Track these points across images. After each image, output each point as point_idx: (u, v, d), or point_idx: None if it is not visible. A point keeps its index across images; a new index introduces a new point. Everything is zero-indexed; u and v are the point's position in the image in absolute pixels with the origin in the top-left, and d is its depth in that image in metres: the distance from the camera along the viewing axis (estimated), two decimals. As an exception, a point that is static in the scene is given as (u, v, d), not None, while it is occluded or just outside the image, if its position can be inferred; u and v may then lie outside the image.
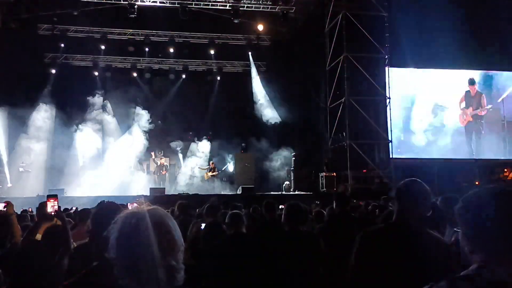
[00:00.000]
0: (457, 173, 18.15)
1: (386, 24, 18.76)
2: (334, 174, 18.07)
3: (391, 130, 18.99)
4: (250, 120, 22.22)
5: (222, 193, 18.64)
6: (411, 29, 17.62)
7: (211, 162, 19.14)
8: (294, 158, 19.46)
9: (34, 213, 9.09)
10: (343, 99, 18.57)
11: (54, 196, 3.76)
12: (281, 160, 20.85)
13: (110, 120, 21.71)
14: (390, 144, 18.91)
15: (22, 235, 4.80)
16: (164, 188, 18.55)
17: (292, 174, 19.29)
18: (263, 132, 21.73)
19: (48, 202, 3.72)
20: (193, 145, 22.36)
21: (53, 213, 3.70)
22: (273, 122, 21.93)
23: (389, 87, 19.14)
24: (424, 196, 2.51)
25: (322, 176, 18.21)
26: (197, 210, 8.81)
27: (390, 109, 19.19)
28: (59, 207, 3.74)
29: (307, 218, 5.19)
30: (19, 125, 19.00)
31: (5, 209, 4.80)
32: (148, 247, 1.53)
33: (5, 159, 18.20)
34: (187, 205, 6.94)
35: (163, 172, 19.82)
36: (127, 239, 1.56)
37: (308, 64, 20.94)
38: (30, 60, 19.87)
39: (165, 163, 20.17)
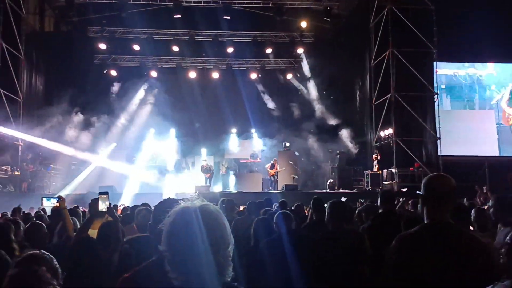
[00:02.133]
0: (508, 170, 17.44)
1: (434, 17, 18.19)
2: (380, 172, 17.75)
3: (439, 127, 18.42)
4: (293, 118, 22.18)
5: (265, 190, 18.69)
6: (459, 22, 17.02)
7: (274, 159, 19.20)
8: (338, 156, 19.26)
9: (84, 209, 9.51)
10: (388, 95, 18.20)
11: (106, 193, 3.89)
12: (325, 158, 20.70)
13: (156, 119, 22.25)
14: (438, 141, 18.35)
15: (74, 229, 5.06)
16: (209, 186, 18.87)
17: (336, 171, 19.10)
18: (306, 129, 21.63)
19: (99, 199, 3.86)
20: (235, 143, 22.53)
21: (104, 210, 3.84)
22: (316, 120, 21.78)
23: (437, 83, 18.59)
24: (451, 190, 2.37)
25: (367, 174, 17.92)
26: (241, 207, 8.94)
27: (438, 105, 18.64)
28: (110, 203, 3.87)
29: (352, 216, 5.14)
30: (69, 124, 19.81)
31: (58, 204, 5.05)
32: (197, 242, 1.56)
33: (60, 157, 18.98)
34: (230, 202, 7.01)
35: (207, 175, 20.06)
36: (177, 233, 1.60)
37: (352, 60, 20.65)
38: (80, 61, 20.71)
39: (209, 164, 20.36)
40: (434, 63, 18.63)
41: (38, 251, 2.29)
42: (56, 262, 2.25)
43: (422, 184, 2.45)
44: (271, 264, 3.86)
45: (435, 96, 18.55)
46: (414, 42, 17.90)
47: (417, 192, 2.53)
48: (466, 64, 20.04)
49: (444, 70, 19.67)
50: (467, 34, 17.46)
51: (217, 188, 20.10)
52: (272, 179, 19.07)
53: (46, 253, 2.30)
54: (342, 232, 4.10)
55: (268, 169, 19.06)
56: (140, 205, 5.87)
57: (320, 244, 4.03)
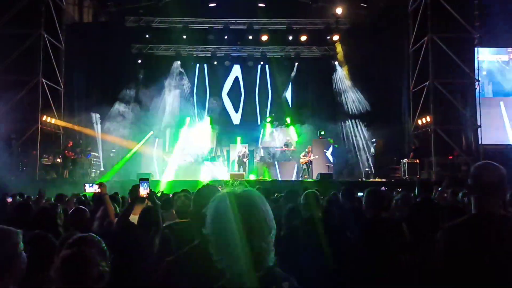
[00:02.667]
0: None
1: (475, 1, 17.55)
2: (417, 160, 17.43)
3: (480, 115, 17.88)
4: (329, 106, 21.98)
5: (300, 178, 18.69)
6: (502, 5, 16.38)
7: (308, 147, 19.18)
8: (375, 144, 19.02)
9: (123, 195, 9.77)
10: (427, 83, 17.77)
11: (146, 180, 4.00)
12: (361, 146, 20.48)
13: (191, 108, 22.55)
14: (479, 129, 17.81)
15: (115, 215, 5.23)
16: (243, 173, 19.00)
17: (372, 160, 18.88)
18: (343, 117, 21.43)
19: (140, 185, 3.97)
20: (270, 132, 22.53)
21: (145, 196, 3.96)
22: (352, 108, 21.53)
23: (478, 69, 18.01)
24: (500, 179, 2.28)
25: (404, 163, 17.63)
26: (276, 195, 8.97)
27: (479, 92, 18.07)
28: (150, 189, 3.98)
29: (390, 205, 5.10)
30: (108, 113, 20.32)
31: (99, 190, 5.23)
32: (239, 226, 1.61)
33: (100, 144, 19.53)
34: (265, 190, 7.06)
35: (245, 159, 20.22)
36: (220, 218, 1.64)
37: (389, 47, 20.21)
38: (119, 51, 21.13)
39: (247, 151, 20.54)
40: (476, 49, 18.03)
41: (87, 234, 2.39)
42: (104, 245, 2.35)
43: (470, 173, 2.39)
44: (305, 252, 3.88)
45: (476, 83, 17.98)
46: (455, 27, 17.36)
47: (468, 181, 2.43)
48: (510, 49, 19.29)
49: (486, 56, 18.99)
50: (510, 17, 16.79)
51: (252, 176, 20.21)
52: (305, 166, 19.00)
53: (95, 235, 2.40)
54: (379, 221, 4.09)
55: (301, 157, 19.03)
56: (179, 192, 6.01)
57: (358, 232, 4.03)
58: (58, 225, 3.95)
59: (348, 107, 21.69)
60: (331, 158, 19.57)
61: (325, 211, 4.77)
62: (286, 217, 4.48)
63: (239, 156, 20.10)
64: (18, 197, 9.54)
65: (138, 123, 20.41)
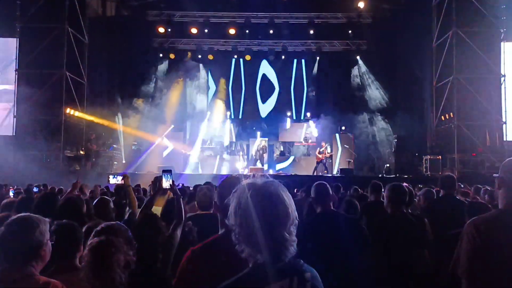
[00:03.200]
0: None
1: (502, -6, 17.20)
2: (439, 157, 17.20)
3: (505, 111, 17.52)
4: (350, 101, 21.82)
5: (320, 174, 18.64)
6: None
7: (323, 142, 19.12)
8: (396, 140, 18.84)
9: (144, 187, 9.91)
10: (451, 78, 17.49)
11: (169, 171, 4.05)
12: (382, 142, 20.32)
13: (212, 102, 22.67)
14: (504, 125, 17.47)
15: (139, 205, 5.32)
16: (263, 167, 19.07)
17: (393, 156, 18.71)
18: (364, 112, 21.26)
19: (163, 177, 4.02)
20: (290, 126, 22.49)
21: (168, 187, 4.01)
22: (374, 103, 21.34)
23: (504, 64, 17.63)
24: None
25: (426, 159, 17.42)
26: (295, 190, 8.96)
27: (505, 87, 17.70)
28: (173, 181, 4.03)
29: (412, 200, 5.06)
30: (129, 106, 20.56)
31: (122, 181, 5.33)
32: (261, 217, 1.63)
33: (121, 137, 19.78)
34: (285, 185, 7.07)
35: (264, 154, 20.31)
36: (244, 208, 1.66)
37: (412, 41, 19.91)
38: (140, 45, 21.36)
39: (265, 144, 20.64)
40: (501, 44, 17.65)
41: (114, 222, 2.46)
42: (130, 234, 2.41)
43: (501, 166, 2.37)
44: (322, 245, 3.88)
45: (502, 78, 17.62)
46: (480, 22, 17.02)
47: (494, 175, 2.41)
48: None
49: (512, 51, 18.60)
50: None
51: (271, 171, 20.25)
52: (325, 161, 18.92)
53: (122, 224, 2.46)
54: (401, 216, 4.07)
55: (317, 154, 18.93)
56: (202, 184, 6.08)
57: (378, 227, 4.02)
58: (83, 214, 4.03)
59: (369, 102, 21.52)
60: (352, 153, 19.43)
61: (345, 204, 4.78)
62: (307, 212, 4.50)
63: (257, 150, 20.17)
64: (41, 187, 9.75)
65: (159, 117, 20.61)
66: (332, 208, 3.92)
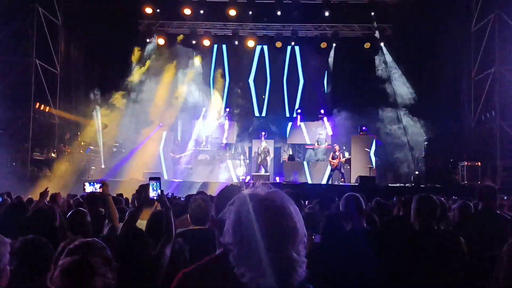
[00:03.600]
0: None
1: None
2: (479, 163, 17.17)
3: (558, 109, 17.49)
4: (371, 95, 21.79)
5: (336, 183, 18.65)
6: None
7: (336, 145, 19.06)
8: (426, 143, 18.80)
9: (127, 197, 9.93)
10: (492, 69, 17.47)
11: (157, 179, 4.06)
12: (410, 145, 20.28)
13: (208, 96, 22.71)
14: (556, 126, 17.44)
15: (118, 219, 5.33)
16: (269, 174, 19.09)
17: (423, 162, 18.68)
18: (388, 109, 21.23)
19: (150, 186, 4.02)
20: (300, 125, 22.51)
21: (155, 198, 4.02)
22: (400, 98, 21.28)
23: (556, 53, 17.62)
24: None
25: (462, 166, 17.40)
26: (306, 202, 8.99)
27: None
28: (161, 191, 4.03)
29: (444, 214, 5.04)
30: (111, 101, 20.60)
31: (101, 190, 5.33)
32: (265, 233, 1.61)
33: (100, 138, 19.82)
34: (294, 195, 7.08)
35: (268, 158, 20.33)
36: (242, 223, 1.65)
37: (446, 26, 19.90)
38: (124, 29, 21.41)
39: (267, 147, 20.61)
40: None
41: (90, 239, 2.47)
42: (109, 252, 2.42)
43: None
44: (341, 265, 3.90)
45: (554, 70, 17.60)
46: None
47: None
48: None
49: None
50: None
51: (277, 179, 20.26)
52: (340, 167, 18.89)
53: (99, 241, 2.47)
54: (431, 233, 4.07)
55: (330, 159, 18.92)
56: (196, 194, 6.08)
57: (405, 245, 4.02)
58: (55, 229, 4.06)
59: (394, 97, 21.46)
60: (374, 159, 19.43)
61: (368, 220, 4.77)
62: (324, 227, 4.51)
63: (258, 154, 20.19)
64: (6, 196, 9.75)
65: (145, 114, 20.64)
66: (365, 225, 3.95)
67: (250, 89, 24.13)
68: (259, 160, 20.32)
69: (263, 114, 24.11)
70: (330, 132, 21.25)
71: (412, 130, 20.24)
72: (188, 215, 4.51)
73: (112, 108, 20.31)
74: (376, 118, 20.98)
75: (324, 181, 18.92)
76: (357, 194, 4.03)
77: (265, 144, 20.58)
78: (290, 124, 22.63)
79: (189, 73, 22.47)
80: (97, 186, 5.47)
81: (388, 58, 22.24)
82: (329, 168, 19.08)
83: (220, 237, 1.93)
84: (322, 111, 22.30)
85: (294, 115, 23.16)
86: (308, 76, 23.90)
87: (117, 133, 20.08)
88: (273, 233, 1.63)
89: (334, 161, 18.66)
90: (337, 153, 18.74)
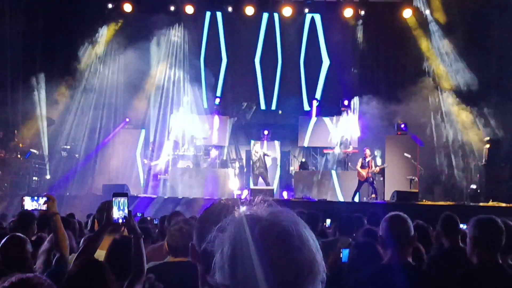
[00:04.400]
0: None
1: None
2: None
3: None
4: (411, 80, 21.76)
5: (365, 200, 18.63)
6: None
7: (366, 149, 18.85)
8: (488, 146, 18.77)
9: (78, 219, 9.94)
10: None
11: (123, 195, 4.05)
12: (464, 150, 20.26)
13: (192, 81, 22.66)
14: None
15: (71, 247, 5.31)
16: (273, 188, 19.04)
17: (483, 171, 18.66)
18: (433, 100, 21.21)
19: (113, 204, 4.01)
20: (316, 122, 22.51)
21: (121, 221, 4.01)
22: (451, 86, 21.27)
23: None
24: None
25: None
26: (324, 224, 9.02)
27: None
28: (129, 211, 4.03)
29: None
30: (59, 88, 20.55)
31: (45, 207, 5.27)
32: (273, 272, 1.62)
33: (45, 138, 19.77)
34: (312, 216, 7.08)
35: (265, 165, 20.15)
36: (241, 257, 1.62)
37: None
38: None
39: (260, 152, 20.34)
40: None
41: (31, 275, 2.46)
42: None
43: None
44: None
45: None
46: None
47: None
48: None
49: None
50: None
51: (285, 194, 20.26)
52: (371, 179, 18.82)
53: (44, 278, 2.47)
54: (496, 269, 4.06)
55: (359, 168, 18.80)
56: (170, 215, 6.06)
57: (459, 286, 4.01)
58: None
59: (444, 85, 21.43)
60: (417, 167, 19.35)
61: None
62: (358, 257, 4.51)
63: (253, 161, 19.99)
64: None
65: (107, 105, 20.61)
66: (408, 259, 3.94)
67: (255, 72, 24.04)
68: (255, 169, 20.07)
69: (273, 107, 24.01)
70: (357, 132, 21.20)
71: (468, 130, 20.19)
72: (166, 243, 4.51)
73: (62, 98, 20.26)
74: (418, 112, 20.91)
75: (348, 198, 18.83)
76: (405, 216, 4.01)
77: (259, 148, 20.46)
78: (302, 120, 22.56)
79: (165, 52, 22.42)
80: (41, 201, 5.43)
81: (436, 32, 22.19)
82: (355, 181, 19.00)
83: (205, 274, 1.92)
84: (346, 102, 22.25)
85: (308, 108, 23.07)
86: (328, 53, 23.79)
87: (68, 132, 20.03)
88: (284, 270, 1.56)
89: (363, 171, 18.56)
90: (367, 160, 18.65)
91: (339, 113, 22.07)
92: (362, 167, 18.61)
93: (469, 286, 4.05)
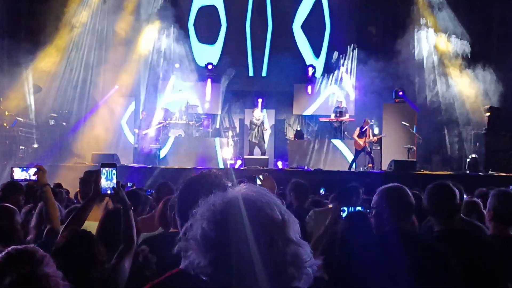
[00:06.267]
0: None
1: None
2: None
3: None
4: (410, 49, 21.65)
5: (362, 169, 18.65)
6: None
7: (364, 120, 18.77)
8: (489, 114, 18.75)
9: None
10: None
11: (112, 165, 4.01)
12: (464, 118, 20.25)
13: (181, 46, 22.50)
14: None
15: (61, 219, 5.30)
16: (267, 158, 19.02)
17: (482, 140, 18.67)
18: (432, 66, 21.14)
19: (101, 174, 3.99)
20: (312, 90, 22.43)
21: (109, 192, 3.99)
22: (451, 45, 21.11)
23: None
24: None
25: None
26: (322, 192, 9.04)
27: None
28: (118, 181, 4.00)
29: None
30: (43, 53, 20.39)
31: (35, 177, 5.26)
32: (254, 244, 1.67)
33: (32, 105, 19.68)
34: (304, 187, 7.07)
35: (265, 129, 20.06)
36: (222, 242, 1.69)
37: None
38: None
39: (261, 118, 20.25)
40: None
41: (28, 246, 2.45)
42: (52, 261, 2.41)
43: None
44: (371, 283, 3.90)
45: None
46: None
47: None
48: None
49: None
50: None
51: (280, 163, 20.25)
52: (369, 148, 18.79)
53: (39, 249, 2.46)
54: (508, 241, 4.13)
55: (356, 138, 18.77)
56: (158, 186, 6.05)
57: (468, 255, 4.01)
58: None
59: (442, 51, 21.30)
60: (415, 135, 19.32)
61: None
62: (344, 230, 4.49)
63: (251, 129, 19.81)
64: None
65: (94, 72, 20.50)
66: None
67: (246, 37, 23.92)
68: (253, 137, 19.99)
69: (263, 73, 23.88)
70: (352, 96, 21.09)
71: (467, 96, 20.15)
72: (157, 214, 4.51)
73: (48, 62, 20.13)
74: (418, 79, 20.84)
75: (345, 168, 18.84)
76: (402, 186, 4.00)
77: (259, 114, 20.33)
78: (297, 87, 22.45)
79: (159, 17, 22.23)
80: (31, 172, 5.41)
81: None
82: (352, 150, 19.00)
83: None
84: (342, 68, 22.13)
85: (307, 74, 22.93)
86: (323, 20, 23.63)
87: (56, 99, 19.93)
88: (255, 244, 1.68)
89: (360, 140, 18.55)
90: (365, 129, 18.62)
91: (336, 79, 21.99)
92: (359, 136, 18.59)
93: (484, 254, 4.05)
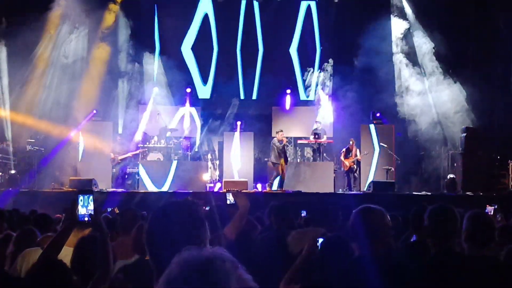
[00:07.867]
0: None
1: None
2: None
3: None
4: (387, 69, 21.78)
5: (340, 191, 18.67)
6: None
7: (351, 140, 18.79)
8: (465, 135, 18.88)
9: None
10: None
11: (89, 192, 3.99)
12: (441, 138, 20.38)
13: (163, 66, 22.53)
14: None
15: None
16: (246, 181, 18.98)
17: (460, 161, 18.79)
18: (411, 83, 21.26)
19: (79, 200, 3.95)
20: (292, 111, 22.51)
21: (87, 219, 3.95)
22: (428, 63, 21.26)
23: None
24: None
25: (513, 165, 17.65)
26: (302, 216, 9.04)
27: None
28: (96, 208, 3.99)
29: (494, 236, 5.05)
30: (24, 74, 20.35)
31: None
32: None
33: (9, 131, 19.56)
34: (284, 208, 7.07)
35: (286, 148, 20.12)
36: None
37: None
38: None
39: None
40: None
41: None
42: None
43: None
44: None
45: None
46: None
47: None
48: None
49: None
50: None
51: (259, 186, 20.23)
52: (352, 173, 18.86)
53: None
54: (480, 262, 4.10)
55: (342, 159, 18.81)
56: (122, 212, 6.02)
57: (443, 276, 4.01)
58: None
59: (421, 63, 21.42)
60: (393, 156, 19.41)
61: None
62: (321, 256, 4.48)
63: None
64: None
65: (71, 95, 20.44)
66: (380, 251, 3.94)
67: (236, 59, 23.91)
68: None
69: (254, 96, 23.81)
70: (330, 118, 21.16)
71: (446, 116, 20.28)
72: (132, 240, 4.47)
73: (27, 87, 20.07)
74: (396, 97, 20.95)
75: (330, 189, 18.78)
76: (381, 209, 4.00)
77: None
78: (275, 110, 22.49)
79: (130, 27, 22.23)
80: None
81: (411, 15, 22.18)
82: (330, 171, 19.02)
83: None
84: (320, 89, 22.22)
85: (304, 97, 22.93)
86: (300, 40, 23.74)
87: (34, 124, 19.82)
88: None
89: (346, 160, 18.59)
90: (352, 151, 18.69)
91: (313, 101, 22.10)
92: (346, 157, 18.67)
93: (460, 274, 4.06)
